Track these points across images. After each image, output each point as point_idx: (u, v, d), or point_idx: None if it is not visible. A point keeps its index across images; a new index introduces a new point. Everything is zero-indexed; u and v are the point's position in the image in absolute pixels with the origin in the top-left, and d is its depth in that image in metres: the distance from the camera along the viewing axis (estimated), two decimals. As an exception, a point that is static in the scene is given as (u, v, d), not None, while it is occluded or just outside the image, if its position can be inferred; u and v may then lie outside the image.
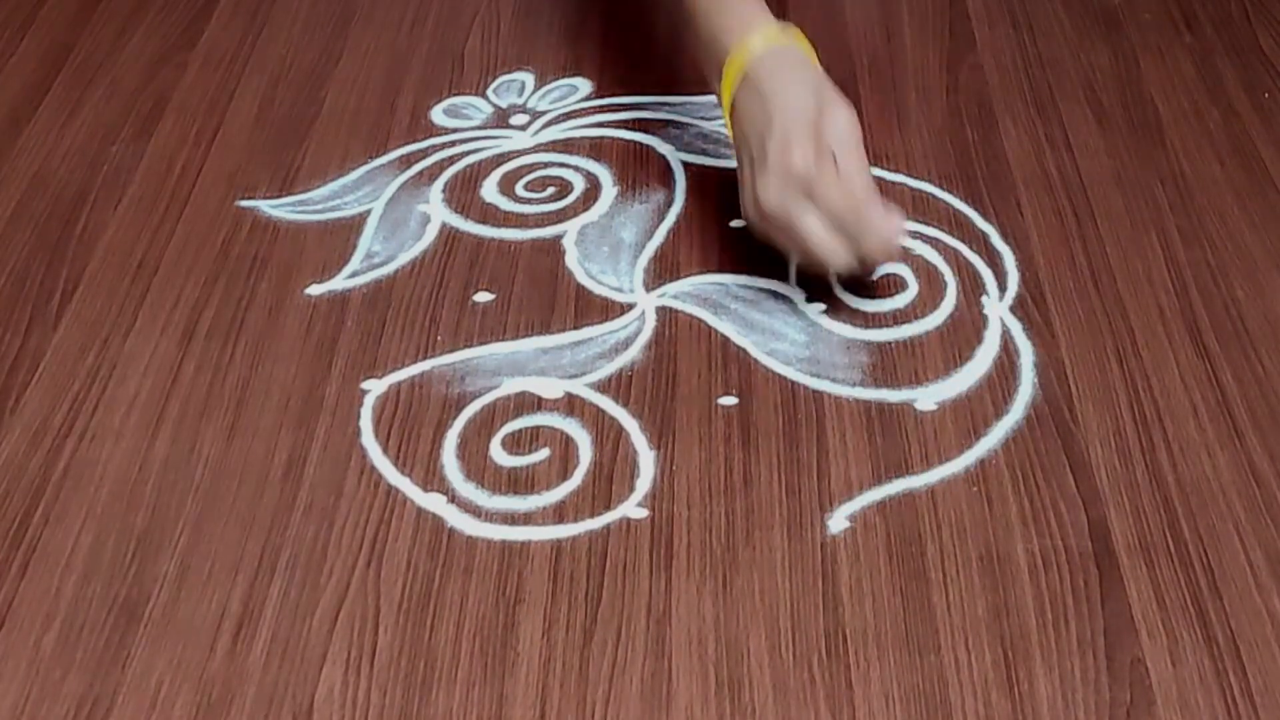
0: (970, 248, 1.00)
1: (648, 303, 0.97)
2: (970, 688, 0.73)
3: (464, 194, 1.07)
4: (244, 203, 1.07)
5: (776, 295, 0.97)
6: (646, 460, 0.86)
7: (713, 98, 1.15)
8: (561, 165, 1.09)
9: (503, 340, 0.94)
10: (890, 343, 0.93)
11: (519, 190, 1.07)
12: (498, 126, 1.14)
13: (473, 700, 0.74)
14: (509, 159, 1.10)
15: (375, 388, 0.91)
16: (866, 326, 0.94)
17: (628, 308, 0.96)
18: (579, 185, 1.07)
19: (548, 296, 0.98)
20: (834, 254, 0.87)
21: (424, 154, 1.11)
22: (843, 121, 0.86)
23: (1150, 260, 0.98)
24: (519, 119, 1.14)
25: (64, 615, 0.79)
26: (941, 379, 0.90)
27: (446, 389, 0.91)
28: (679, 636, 0.76)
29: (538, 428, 0.88)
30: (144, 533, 0.83)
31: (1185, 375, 0.90)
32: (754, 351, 0.93)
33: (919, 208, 1.03)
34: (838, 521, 0.82)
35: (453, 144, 1.12)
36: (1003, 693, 0.73)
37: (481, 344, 0.94)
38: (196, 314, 0.97)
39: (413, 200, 1.06)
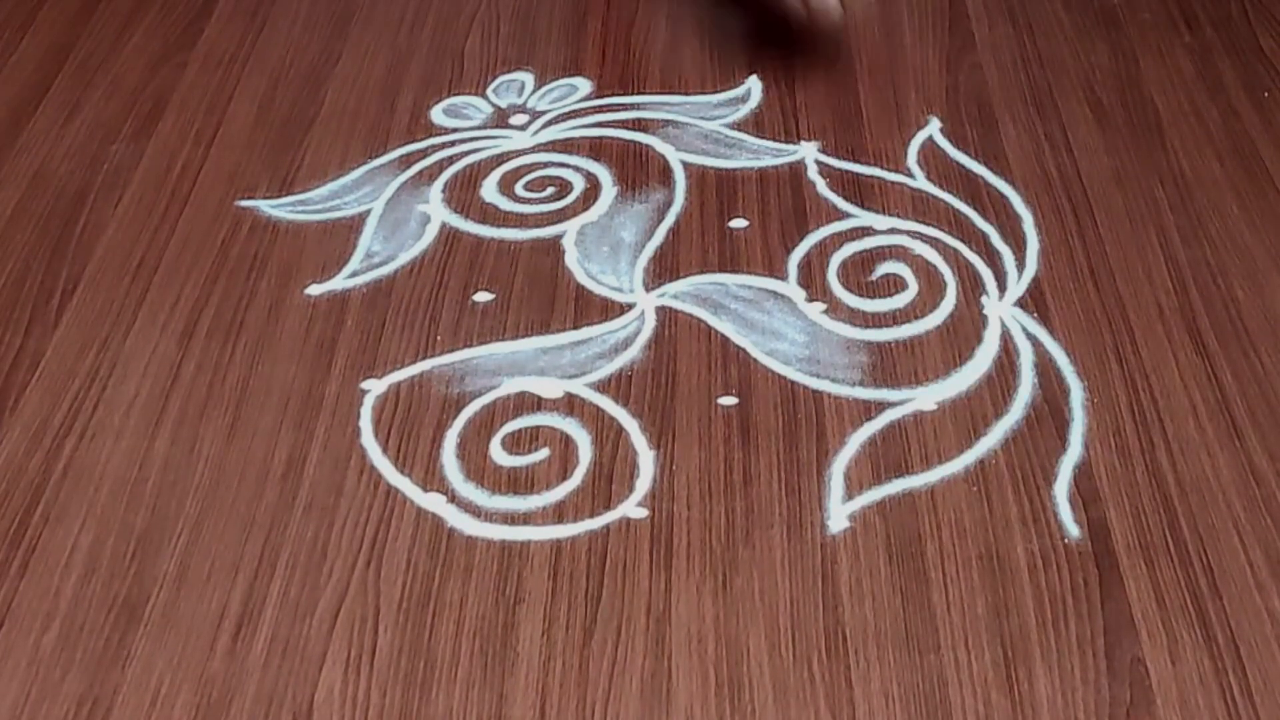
0: (970, 248, 1.00)
1: (648, 303, 0.97)
2: (970, 687, 0.73)
3: (464, 194, 1.07)
4: (244, 202, 1.07)
5: (776, 295, 0.97)
6: (646, 460, 0.86)
7: (713, 97, 1.15)
8: (561, 165, 1.09)
9: (503, 340, 0.94)
10: (890, 343, 0.93)
11: (519, 190, 1.07)
12: (498, 126, 1.14)
13: (473, 700, 0.74)
14: (509, 159, 1.10)
15: (375, 388, 0.91)
16: (866, 326, 0.94)
17: (627, 308, 0.96)
18: (579, 185, 1.07)
19: (548, 296, 0.98)
20: None
21: (424, 154, 1.11)
22: None
23: (1150, 259, 0.99)
24: (519, 119, 1.14)
25: (64, 615, 0.79)
26: (941, 379, 0.90)
27: (446, 389, 0.91)
28: (679, 636, 0.76)
29: (538, 428, 0.88)
30: (144, 532, 0.83)
31: (1185, 374, 0.90)
32: (754, 351, 0.93)
33: (919, 208, 1.03)
34: (838, 521, 0.82)
35: (452, 144, 1.12)
36: (1003, 692, 0.73)
37: (481, 344, 0.94)
38: (196, 313, 0.97)
39: (413, 200, 1.07)
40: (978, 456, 0.85)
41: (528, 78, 1.19)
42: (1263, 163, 1.06)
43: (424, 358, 0.93)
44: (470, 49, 1.23)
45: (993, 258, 0.99)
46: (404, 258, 1.01)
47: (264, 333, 0.96)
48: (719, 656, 0.75)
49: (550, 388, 0.91)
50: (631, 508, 0.83)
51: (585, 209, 1.05)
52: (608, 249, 1.01)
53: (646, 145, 1.10)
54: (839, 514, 0.82)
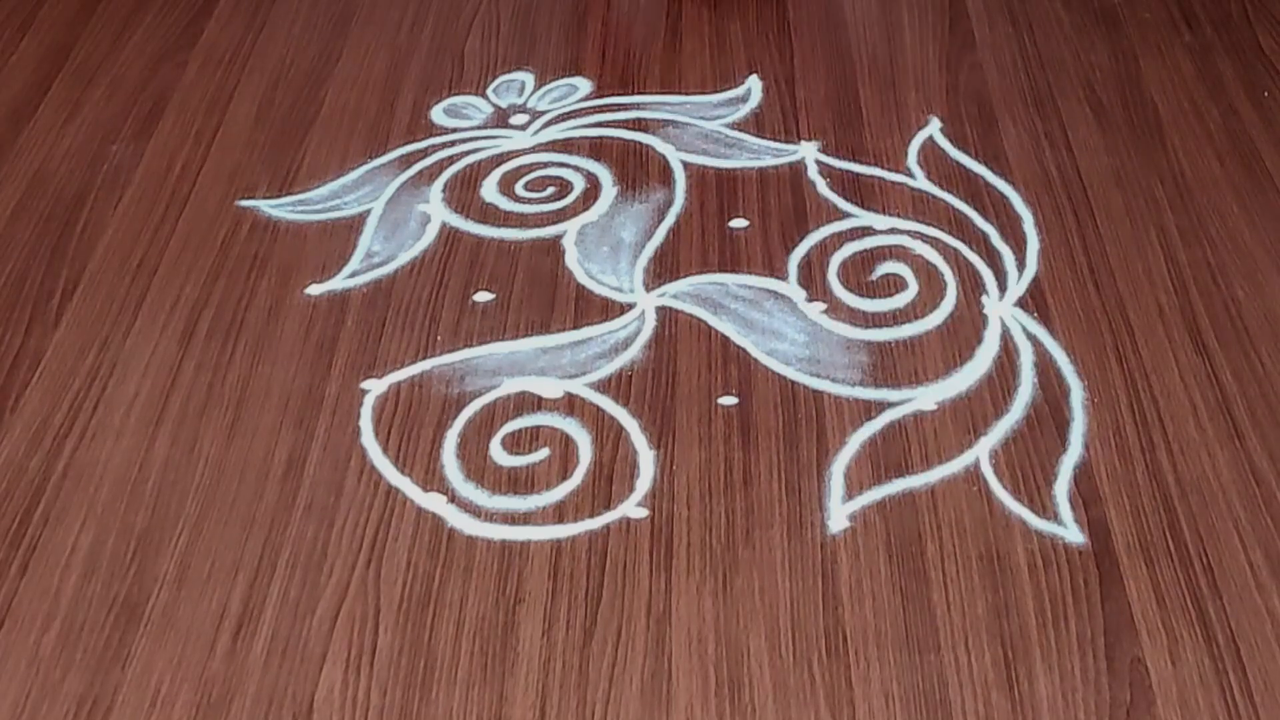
0: (970, 248, 1.00)
1: (648, 302, 0.97)
2: (970, 687, 0.73)
3: (464, 194, 1.07)
4: (244, 202, 1.07)
5: (776, 295, 0.97)
6: (646, 460, 0.86)
7: (713, 97, 1.15)
8: (561, 165, 1.09)
9: (503, 340, 0.94)
10: (890, 343, 0.93)
11: (519, 190, 1.07)
12: (498, 126, 1.14)
13: (473, 700, 0.74)
14: (509, 159, 1.10)
15: (375, 387, 0.91)
16: (866, 326, 0.94)
17: (628, 307, 0.96)
18: (579, 185, 1.07)
19: (548, 296, 0.98)
20: None
21: (424, 154, 1.11)
22: None
23: (1150, 259, 0.98)
24: (519, 119, 1.14)
25: (64, 614, 0.79)
26: (941, 379, 0.90)
27: (446, 389, 0.91)
28: (679, 636, 0.76)
29: (538, 428, 0.88)
30: (144, 532, 0.83)
31: (1185, 374, 0.90)
32: (754, 351, 0.93)
33: (919, 208, 1.03)
34: (838, 521, 0.82)
35: (452, 144, 1.12)
36: (1003, 692, 0.73)
37: (481, 344, 0.94)
38: (196, 313, 0.97)
39: (413, 200, 1.06)
40: (978, 456, 0.85)
41: (528, 78, 1.19)
42: (1263, 163, 1.06)
43: (424, 358, 0.93)
44: (470, 49, 1.23)
45: (993, 257, 0.99)
46: (404, 257, 1.01)
47: (264, 333, 0.96)
48: (719, 656, 0.75)
49: (550, 388, 0.91)
50: (631, 508, 0.83)
51: (585, 209, 1.05)
52: (608, 249, 1.01)
53: (646, 145, 1.10)
54: (839, 514, 0.82)
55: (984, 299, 0.96)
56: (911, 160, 1.08)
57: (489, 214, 1.05)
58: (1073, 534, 0.80)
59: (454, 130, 1.13)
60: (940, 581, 0.78)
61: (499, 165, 1.10)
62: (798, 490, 0.84)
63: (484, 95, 1.17)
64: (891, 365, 0.91)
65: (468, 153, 1.11)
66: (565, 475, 0.85)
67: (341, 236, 1.03)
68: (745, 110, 1.14)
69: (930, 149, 1.09)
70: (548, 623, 0.77)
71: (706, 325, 0.95)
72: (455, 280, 0.99)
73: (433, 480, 0.85)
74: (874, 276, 0.98)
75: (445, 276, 1.00)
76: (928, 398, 0.89)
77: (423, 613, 0.78)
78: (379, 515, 0.83)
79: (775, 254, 1.00)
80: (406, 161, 1.10)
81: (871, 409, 0.88)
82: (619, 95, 1.16)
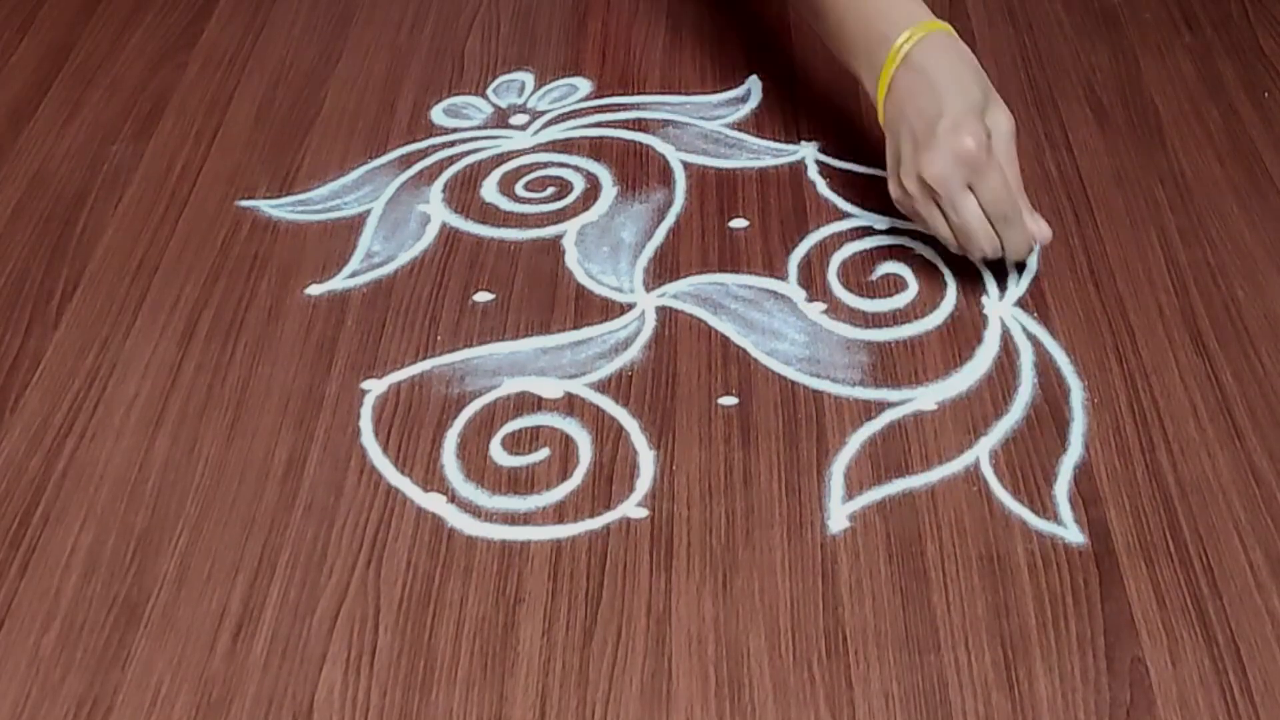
0: (970, 247, 1.00)
1: (648, 303, 0.97)
2: (970, 688, 0.73)
3: (464, 194, 1.07)
4: (244, 203, 1.07)
5: (776, 295, 0.97)
6: (646, 460, 0.86)
7: (713, 97, 1.15)
8: (561, 165, 1.09)
9: (503, 340, 0.94)
10: (890, 343, 0.93)
11: (519, 190, 1.07)
12: (498, 126, 1.14)
13: (473, 700, 0.74)
14: (509, 159, 1.10)
15: (375, 388, 0.91)
16: (866, 326, 0.94)
17: (628, 308, 0.96)
18: (579, 185, 1.07)
19: (548, 296, 0.98)
20: (986, 240, 0.90)
21: (424, 154, 1.11)
22: (1005, 121, 0.90)
23: (1150, 260, 0.99)
24: (519, 119, 1.14)
25: (64, 615, 0.79)
26: (941, 379, 0.90)
27: (446, 389, 0.91)
28: (679, 636, 0.76)
29: (538, 428, 0.88)
30: (144, 532, 0.83)
31: (1185, 375, 0.90)
32: (754, 351, 0.93)
33: (919, 207, 1.03)
34: (838, 521, 0.82)
35: (452, 144, 1.12)
36: (1003, 693, 0.73)
37: (481, 344, 0.94)
38: (196, 314, 0.97)
39: (413, 200, 1.07)
40: (978, 456, 0.85)
41: (528, 78, 1.19)
42: (1263, 163, 1.06)
43: (424, 358, 0.93)
44: (470, 49, 1.23)
45: (993, 258, 0.99)
46: (404, 258, 1.01)
47: (264, 333, 0.96)
48: (719, 656, 0.75)
49: (550, 388, 0.91)
50: (631, 508, 0.83)
51: (585, 209, 1.05)
52: (608, 249, 1.01)
53: (646, 145, 1.11)
54: (839, 514, 0.82)
55: (984, 299, 0.96)
56: (911, 160, 1.07)
57: (489, 214, 1.05)
58: (1073, 534, 0.80)
59: (454, 130, 1.13)
60: (940, 581, 0.78)
61: (499, 165, 1.10)
62: (798, 490, 0.84)
63: (484, 95, 1.17)
64: (891, 365, 0.91)
65: (468, 153, 1.11)
66: (565, 475, 0.85)
67: (341, 236, 1.03)
68: (745, 110, 1.14)
69: (930, 149, 1.09)
70: (548, 623, 0.77)
71: (706, 325, 0.95)
72: (455, 280, 0.99)
73: (433, 480, 0.85)
74: (874, 276, 0.98)
75: (445, 277, 1.00)
76: (928, 398, 0.89)
77: (423, 613, 0.78)
78: (379, 515, 0.83)
79: (775, 254, 1.00)
80: (406, 162, 1.10)
81: (871, 409, 0.88)
82: (619, 95, 1.16)
